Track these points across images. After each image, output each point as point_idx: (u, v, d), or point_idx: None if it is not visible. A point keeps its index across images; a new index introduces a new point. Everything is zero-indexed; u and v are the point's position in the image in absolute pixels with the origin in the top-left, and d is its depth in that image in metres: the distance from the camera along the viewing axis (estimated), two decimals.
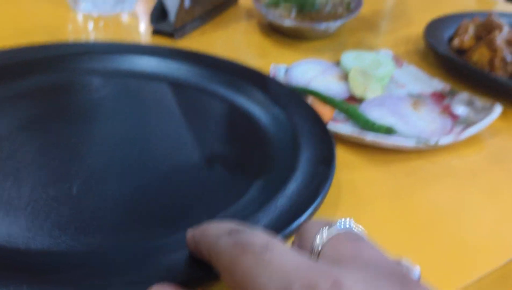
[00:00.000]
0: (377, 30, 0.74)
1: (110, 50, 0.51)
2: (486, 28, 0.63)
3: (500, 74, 0.58)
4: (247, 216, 0.31)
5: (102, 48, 0.51)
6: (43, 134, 0.39)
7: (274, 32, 0.69)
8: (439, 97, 0.53)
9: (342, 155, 0.43)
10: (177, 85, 0.48)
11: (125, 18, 0.69)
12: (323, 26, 0.65)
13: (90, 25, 0.66)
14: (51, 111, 0.42)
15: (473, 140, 0.47)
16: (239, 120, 0.44)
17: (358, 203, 0.37)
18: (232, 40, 0.66)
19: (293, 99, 0.46)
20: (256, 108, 0.45)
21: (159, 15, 0.64)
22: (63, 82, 0.47)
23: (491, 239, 0.35)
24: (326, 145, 0.39)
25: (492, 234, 0.36)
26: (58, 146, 0.38)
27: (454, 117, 0.49)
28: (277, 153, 0.39)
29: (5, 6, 0.69)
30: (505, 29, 0.62)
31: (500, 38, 0.59)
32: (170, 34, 0.62)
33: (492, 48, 0.59)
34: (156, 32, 0.63)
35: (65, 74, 0.48)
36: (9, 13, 0.67)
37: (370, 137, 0.42)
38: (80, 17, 0.68)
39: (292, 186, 0.34)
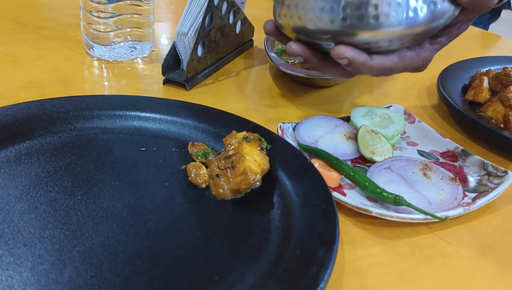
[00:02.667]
0: (389, 76, 0.73)
1: (115, 106, 0.52)
2: (501, 81, 0.61)
3: None
4: None
5: (107, 104, 0.52)
6: (39, 206, 0.39)
7: (286, 78, 0.69)
8: (450, 157, 0.52)
9: (346, 228, 0.42)
10: (183, 144, 0.48)
11: (139, 64, 0.70)
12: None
13: (104, 71, 0.67)
14: (51, 177, 0.43)
15: (485, 208, 0.46)
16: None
17: (361, 288, 0.36)
18: (244, 89, 0.66)
19: (299, 164, 0.45)
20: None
21: (172, 63, 0.64)
22: (66, 143, 0.47)
23: None
24: (329, 223, 0.38)
25: None
26: (54, 221, 0.38)
27: (466, 182, 0.48)
28: (277, 231, 0.39)
29: (23, 49, 0.70)
30: None
31: None
32: (182, 84, 0.63)
33: (507, 105, 0.58)
34: (167, 81, 0.64)
35: (69, 133, 0.49)
36: (25, 56, 0.68)
37: (376, 210, 0.41)
38: (95, 63, 0.69)
39: (290, 272, 0.34)
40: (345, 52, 0.40)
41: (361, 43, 0.40)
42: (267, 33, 0.46)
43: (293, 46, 0.43)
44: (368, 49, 0.41)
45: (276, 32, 0.45)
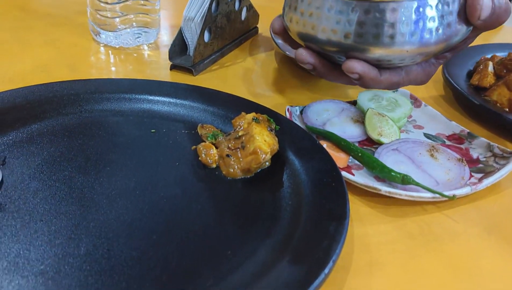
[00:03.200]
0: None
1: (124, 89, 0.52)
2: (507, 66, 0.62)
3: None
4: (253, 281, 0.32)
5: (116, 87, 0.52)
6: (54, 184, 0.40)
7: (291, 64, 0.69)
8: (457, 140, 0.53)
9: (356, 206, 0.43)
10: (193, 126, 0.49)
11: (145, 50, 0.70)
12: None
13: (111, 57, 0.67)
14: (64, 157, 0.43)
15: (492, 188, 0.47)
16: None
17: (371, 264, 0.37)
18: (250, 74, 0.67)
19: (308, 144, 0.46)
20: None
21: (178, 48, 0.65)
22: (77, 124, 0.48)
23: None
24: (339, 200, 0.39)
25: None
26: (69, 198, 0.39)
27: (473, 163, 0.49)
28: (287, 208, 0.39)
29: (30, 36, 0.71)
30: None
31: None
32: (188, 69, 0.63)
33: (511, 88, 0.58)
34: (174, 66, 0.64)
35: (80, 115, 0.49)
36: (32, 42, 0.69)
37: (385, 188, 0.42)
38: (102, 49, 0.69)
39: (301, 247, 0.34)
40: (356, 68, 0.40)
41: (373, 60, 0.40)
42: (275, 32, 0.46)
43: (303, 54, 0.43)
44: (379, 65, 0.42)
45: (285, 34, 0.46)
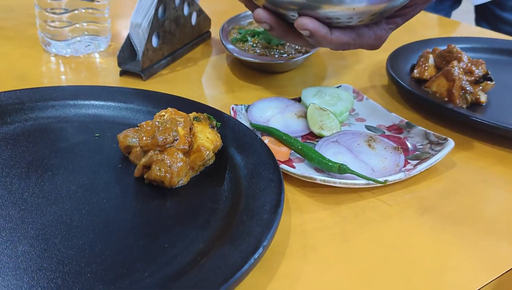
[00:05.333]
0: (343, 60, 0.75)
1: (69, 96, 0.53)
2: (445, 58, 0.65)
3: (459, 103, 0.60)
4: (189, 270, 0.33)
5: (61, 94, 0.53)
6: None
7: (242, 66, 0.71)
8: (396, 130, 0.55)
9: (295, 197, 0.44)
10: None
11: (96, 58, 0.71)
12: (286, 61, 0.67)
13: (62, 66, 0.68)
14: (5, 164, 0.44)
15: (427, 174, 0.49)
16: None
17: (305, 248, 0.38)
18: (200, 77, 0.68)
19: (249, 140, 0.47)
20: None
21: (127, 54, 0.66)
22: (21, 132, 0.48)
23: (438, 280, 0.36)
24: (275, 191, 0.40)
25: (439, 275, 0.37)
26: (8, 203, 0.39)
27: (409, 152, 0.51)
28: (227, 201, 0.41)
29: None
30: (465, 59, 0.64)
31: (458, 68, 0.61)
32: (138, 75, 0.64)
33: (450, 78, 0.61)
34: (124, 72, 0.65)
35: (25, 123, 0.50)
36: None
37: (320, 177, 0.44)
38: (52, 59, 0.70)
39: (236, 235, 0.35)
40: (307, 24, 0.43)
41: (323, 17, 0.43)
42: None
43: (260, 13, 0.45)
44: (329, 24, 0.44)
45: None
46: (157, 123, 0.43)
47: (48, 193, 0.41)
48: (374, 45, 0.48)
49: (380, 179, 0.44)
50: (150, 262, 0.34)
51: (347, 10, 0.42)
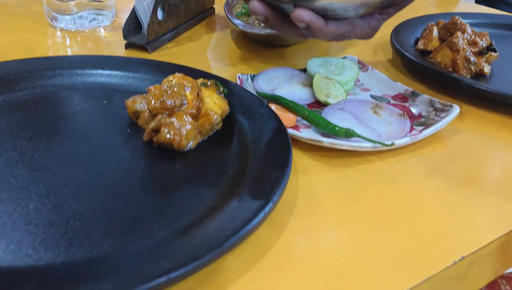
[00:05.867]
0: None
1: (77, 65, 0.53)
2: (449, 30, 0.65)
3: (463, 74, 0.60)
4: (198, 225, 0.33)
5: (68, 63, 0.53)
6: (4, 152, 0.41)
7: (247, 40, 0.71)
8: (401, 99, 0.55)
9: (302, 161, 0.44)
10: None
11: (101, 32, 0.71)
12: None
13: (67, 40, 0.68)
14: (15, 128, 0.44)
15: (432, 140, 0.49)
16: None
17: (313, 207, 0.39)
18: (205, 51, 0.68)
19: (256, 106, 0.47)
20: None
21: (133, 28, 0.66)
22: (29, 99, 0.49)
23: (444, 238, 0.37)
24: (283, 151, 0.40)
25: (445, 233, 0.37)
26: (19, 163, 0.40)
27: (414, 119, 0.51)
28: (235, 163, 0.41)
29: None
30: (468, 30, 0.64)
31: (462, 39, 0.61)
32: (144, 47, 0.64)
33: (454, 49, 0.61)
34: (129, 45, 0.65)
35: (32, 90, 0.50)
36: None
37: (327, 140, 0.44)
38: (58, 33, 0.70)
39: (245, 193, 0.36)
40: (304, 16, 0.42)
41: (319, 9, 0.43)
42: None
43: (256, 5, 0.45)
44: (325, 15, 0.44)
45: None
46: (165, 87, 0.44)
47: (58, 155, 0.41)
48: (368, 35, 0.49)
49: (386, 142, 0.44)
50: (160, 218, 0.35)
51: (344, 2, 0.42)
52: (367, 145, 0.44)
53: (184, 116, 0.43)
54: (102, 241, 0.32)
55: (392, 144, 0.44)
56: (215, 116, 0.44)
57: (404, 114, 0.50)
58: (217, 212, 0.34)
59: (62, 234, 0.33)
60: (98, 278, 0.28)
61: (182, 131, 0.42)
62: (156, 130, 0.43)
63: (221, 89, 0.48)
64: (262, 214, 0.33)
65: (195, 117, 0.44)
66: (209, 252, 0.29)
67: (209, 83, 0.47)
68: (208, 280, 0.31)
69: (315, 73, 0.55)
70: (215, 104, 0.45)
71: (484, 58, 0.62)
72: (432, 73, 0.60)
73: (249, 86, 0.55)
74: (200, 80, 0.48)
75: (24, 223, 0.34)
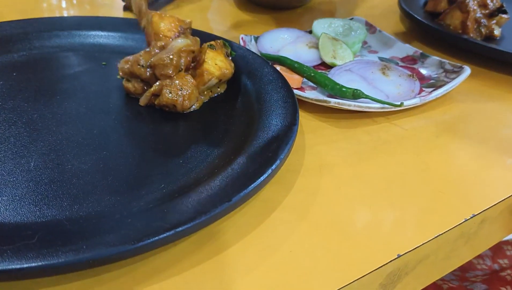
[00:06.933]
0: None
1: (74, 26, 0.51)
2: None
3: (473, 36, 0.58)
4: (205, 178, 0.32)
5: (66, 24, 0.51)
6: (2, 112, 0.40)
7: (249, 4, 0.69)
8: (410, 61, 0.54)
9: (308, 122, 0.43)
10: None
11: None
12: None
13: (63, 3, 0.66)
14: (13, 89, 0.43)
15: (442, 101, 0.48)
16: None
17: (320, 167, 0.38)
18: (207, 13, 0.66)
19: (260, 67, 0.46)
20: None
21: None
22: (26, 60, 0.47)
23: (454, 197, 0.36)
24: (290, 110, 0.39)
25: (456, 191, 0.36)
26: (18, 122, 0.38)
27: (424, 80, 0.50)
28: (240, 123, 0.40)
29: None
30: None
31: (472, 0, 0.59)
32: None
33: (464, 10, 0.59)
34: (127, 8, 0.63)
35: (29, 52, 0.48)
36: None
37: (334, 100, 0.43)
38: None
39: (252, 151, 0.35)
40: None
41: None
42: None
43: None
44: None
45: None
46: (156, 51, 0.43)
47: (58, 114, 0.40)
48: None
49: (396, 103, 0.43)
50: (166, 175, 0.34)
51: None
52: (375, 106, 0.43)
53: (186, 76, 0.41)
54: (108, 197, 0.31)
55: (401, 104, 0.43)
56: (210, 77, 0.42)
57: (413, 75, 0.48)
58: (224, 169, 0.33)
59: (65, 191, 0.32)
60: (106, 231, 0.27)
61: (184, 91, 0.41)
62: (156, 95, 0.42)
63: (229, 51, 0.46)
64: (270, 170, 0.32)
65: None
66: (217, 206, 0.28)
67: (217, 44, 0.46)
68: (216, 237, 0.30)
69: (321, 34, 0.53)
70: (215, 66, 0.43)
71: (495, 21, 0.60)
72: (442, 35, 0.58)
73: (252, 48, 0.53)
74: (208, 43, 0.46)
75: (24, 180, 0.33)
